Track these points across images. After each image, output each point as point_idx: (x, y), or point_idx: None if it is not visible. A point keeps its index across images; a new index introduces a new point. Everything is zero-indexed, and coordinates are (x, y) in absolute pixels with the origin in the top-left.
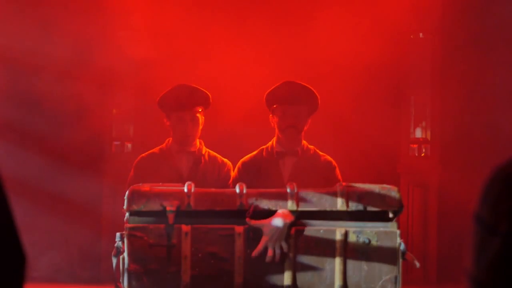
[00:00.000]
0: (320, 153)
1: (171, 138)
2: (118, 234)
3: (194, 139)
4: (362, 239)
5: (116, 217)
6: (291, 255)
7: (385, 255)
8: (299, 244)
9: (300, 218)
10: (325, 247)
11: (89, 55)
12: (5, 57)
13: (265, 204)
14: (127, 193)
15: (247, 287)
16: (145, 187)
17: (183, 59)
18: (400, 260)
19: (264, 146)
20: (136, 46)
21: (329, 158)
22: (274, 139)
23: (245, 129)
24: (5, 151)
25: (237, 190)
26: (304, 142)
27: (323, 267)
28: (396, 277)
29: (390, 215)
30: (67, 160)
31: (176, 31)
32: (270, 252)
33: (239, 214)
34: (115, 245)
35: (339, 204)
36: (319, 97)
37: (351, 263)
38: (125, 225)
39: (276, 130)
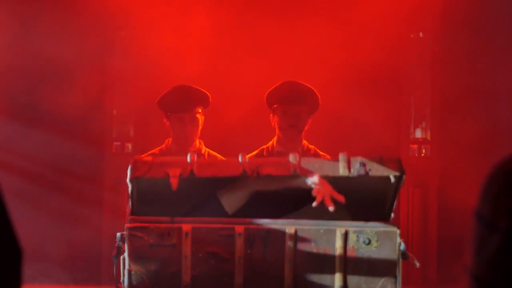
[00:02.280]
0: (321, 152)
1: (170, 139)
2: (118, 234)
3: (193, 140)
4: (362, 239)
5: (117, 217)
6: (291, 255)
7: (385, 255)
8: (299, 244)
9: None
10: (325, 247)
11: (89, 56)
12: (4, 58)
13: (267, 171)
14: (130, 163)
15: (247, 287)
16: (148, 157)
17: (183, 59)
18: (400, 260)
19: (264, 146)
20: (136, 47)
21: (329, 158)
22: (275, 139)
23: (245, 129)
24: (4, 151)
25: (240, 159)
26: (304, 142)
27: (323, 267)
28: (396, 277)
29: (392, 180)
30: (68, 160)
31: (176, 31)
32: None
33: (242, 179)
34: (116, 245)
35: (341, 170)
36: (319, 96)
37: (351, 263)
38: (126, 225)
39: (277, 130)
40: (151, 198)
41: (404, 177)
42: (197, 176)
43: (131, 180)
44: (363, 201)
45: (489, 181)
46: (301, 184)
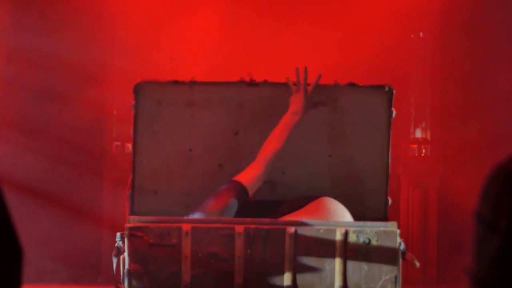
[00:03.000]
0: None
1: None
2: (118, 234)
3: None
4: (362, 239)
5: (117, 217)
6: (291, 255)
7: (385, 255)
8: (299, 243)
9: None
10: (325, 247)
11: (89, 55)
12: (4, 58)
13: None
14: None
15: (247, 287)
16: None
17: (183, 58)
18: (400, 260)
19: None
20: (136, 47)
21: None
22: None
23: None
24: (6, 152)
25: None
26: None
27: (323, 267)
28: (396, 277)
29: (386, 88)
30: (68, 160)
31: (176, 30)
32: None
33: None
34: (116, 245)
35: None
36: None
37: (351, 263)
38: (126, 225)
39: None
40: (155, 111)
41: (394, 92)
42: (201, 82)
43: (136, 88)
44: (359, 113)
45: (489, 181)
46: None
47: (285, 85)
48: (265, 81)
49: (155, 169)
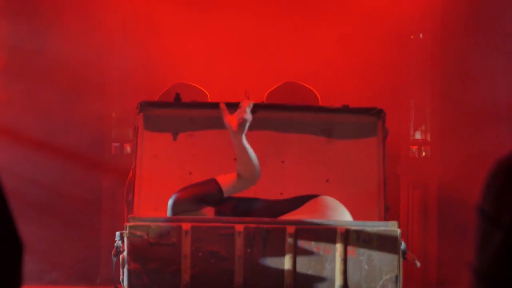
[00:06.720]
0: None
1: None
2: (118, 233)
3: None
4: (362, 238)
5: (116, 217)
6: (291, 254)
7: (385, 254)
8: (299, 243)
9: None
10: (326, 247)
11: (88, 56)
12: (3, 58)
13: None
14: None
15: (247, 286)
16: None
17: (182, 58)
18: (401, 259)
19: None
20: (135, 48)
21: None
22: None
23: None
24: (6, 152)
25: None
26: None
27: (323, 267)
28: (396, 277)
29: (374, 111)
30: (67, 161)
31: (175, 31)
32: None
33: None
34: (115, 244)
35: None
36: (319, 97)
37: (351, 263)
38: (125, 224)
39: None
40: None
41: (385, 114)
42: (200, 103)
43: (138, 107)
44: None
45: (492, 176)
46: None
47: (285, 108)
48: (263, 102)
49: (155, 189)
